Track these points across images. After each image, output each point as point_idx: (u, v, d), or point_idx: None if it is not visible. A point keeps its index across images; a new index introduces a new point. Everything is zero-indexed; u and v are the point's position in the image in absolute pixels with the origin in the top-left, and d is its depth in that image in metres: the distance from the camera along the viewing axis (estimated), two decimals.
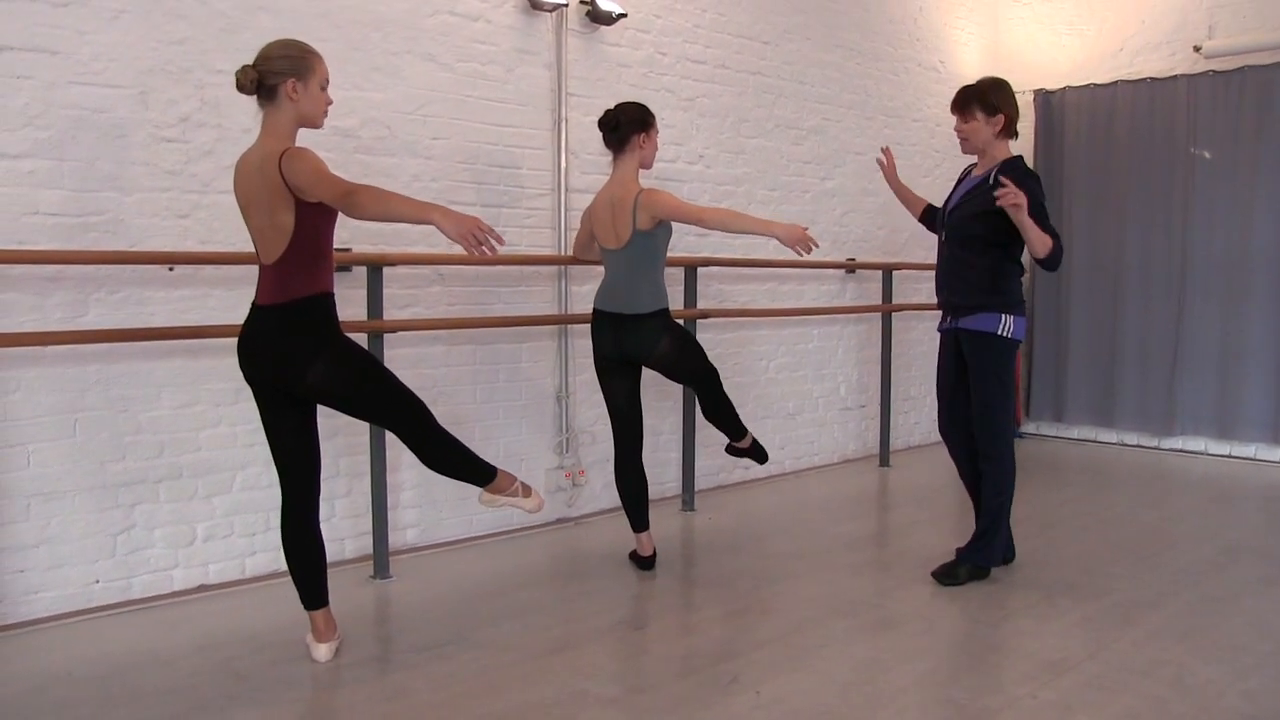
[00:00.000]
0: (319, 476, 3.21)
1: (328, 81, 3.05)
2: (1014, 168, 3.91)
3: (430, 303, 4.45)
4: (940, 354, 4.20)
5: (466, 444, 3.28)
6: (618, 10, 4.93)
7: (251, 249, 3.24)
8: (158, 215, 3.71)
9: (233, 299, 3.86)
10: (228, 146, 3.85)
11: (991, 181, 3.87)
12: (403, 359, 4.35)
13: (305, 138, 3.07)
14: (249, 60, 3.81)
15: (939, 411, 4.22)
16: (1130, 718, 2.85)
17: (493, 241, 2.76)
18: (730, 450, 4.38)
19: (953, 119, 4.07)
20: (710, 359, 4.18)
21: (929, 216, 4.43)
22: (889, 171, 4.54)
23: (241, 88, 2.93)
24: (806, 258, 5.95)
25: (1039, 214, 3.79)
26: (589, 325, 4.18)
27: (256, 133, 3.83)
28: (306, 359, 2.94)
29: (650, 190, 3.94)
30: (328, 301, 3.01)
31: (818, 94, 6.27)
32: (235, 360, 3.10)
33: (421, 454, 3.18)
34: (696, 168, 5.56)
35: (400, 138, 4.33)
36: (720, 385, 4.15)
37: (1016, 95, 4.08)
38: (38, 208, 3.46)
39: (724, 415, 4.19)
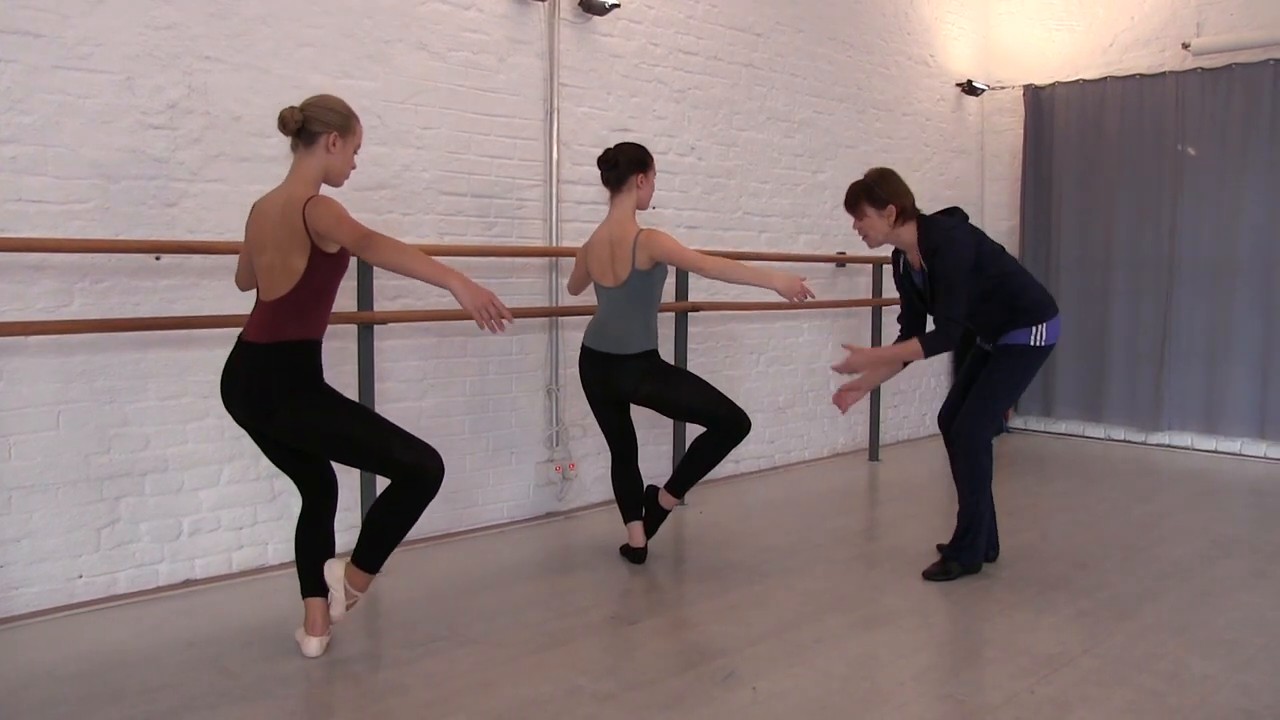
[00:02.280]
0: (333, 485, 3.24)
1: (359, 147, 3.11)
2: (932, 243, 3.84)
3: (420, 294, 4.39)
4: (973, 357, 4.19)
5: (448, 451, 3.20)
6: (610, 0, 4.88)
7: (238, 239, 3.21)
8: (144, 203, 3.64)
9: (221, 289, 3.79)
10: (216, 134, 3.79)
11: (929, 266, 3.87)
12: (393, 351, 4.31)
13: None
14: (239, 46, 3.80)
15: (946, 401, 4.22)
16: (1128, 712, 2.84)
17: (503, 319, 2.80)
18: (649, 492, 4.26)
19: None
20: (736, 403, 4.04)
21: (913, 321, 4.21)
22: (867, 379, 4.20)
23: (284, 125, 2.96)
24: (797, 251, 5.94)
25: (946, 289, 3.77)
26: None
27: (245, 119, 3.83)
28: (277, 402, 2.94)
29: (651, 231, 3.93)
30: (313, 348, 3.02)
31: (809, 87, 6.24)
32: (223, 351, 3.07)
33: (386, 492, 3.05)
34: (688, 160, 5.52)
35: (391, 127, 4.27)
36: (730, 441, 4.01)
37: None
38: (20, 194, 3.39)
39: (697, 465, 4.10)
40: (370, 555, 3.09)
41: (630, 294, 3.97)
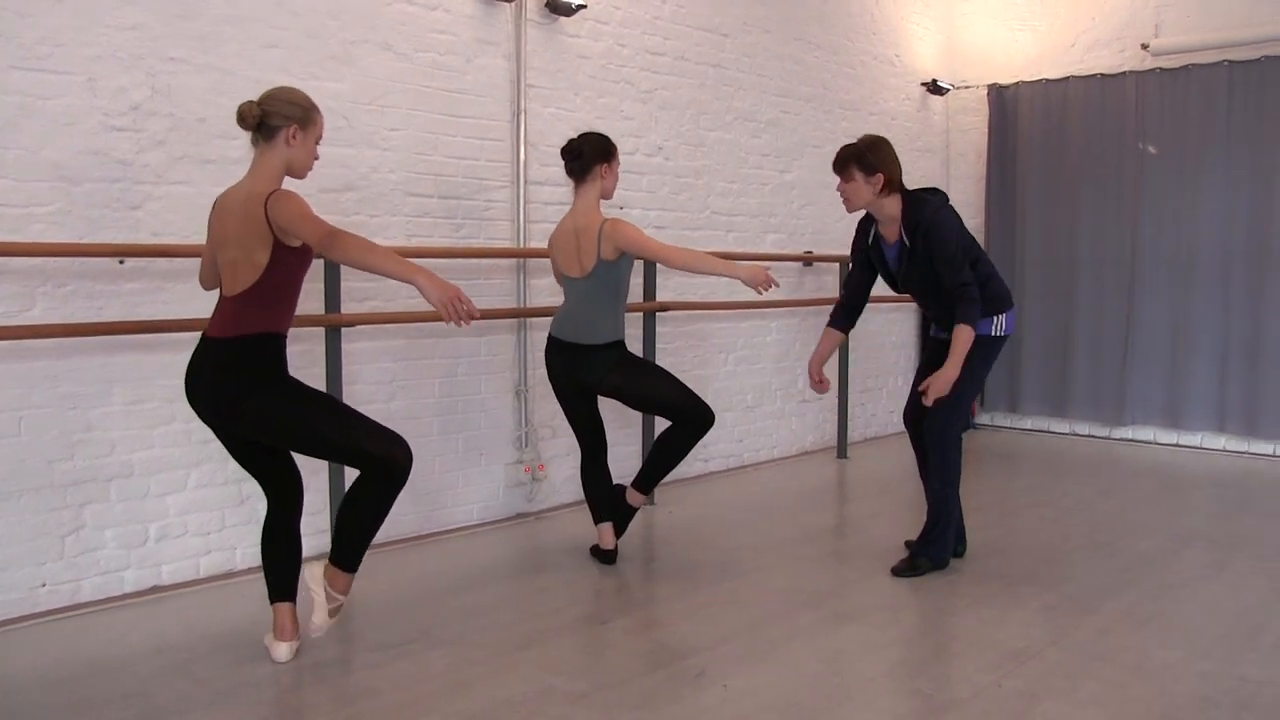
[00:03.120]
0: (299, 485, 3.21)
1: (321, 138, 3.09)
2: (918, 214, 3.88)
3: (389, 295, 4.38)
4: (929, 352, 4.22)
5: (417, 453, 3.18)
6: (577, 1, 4.88)
7: (204, 241, 3.19)
8: (108, 207, 3.61)
9: (186, 293, 3.76)
10: (180, 136, 3.76)
11: (910, 242, 3.89)
12: (361, 353, 4.29)
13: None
14: (204, 47, 3.77)
15: (910, 399, 4.25)
16: (1093, 703, 2.89)
17: (468, 314, 2.78)
18: (616, 491, 4.22)
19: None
20: (701, 397, 4.05)
21: (850, 318, 4.31)
22: (819, 375, 4.28)
23: (243, 120, 2.94)
24: (765, 250, 5.96)
25: (950, 262, 3.82)
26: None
27: (210, 121, 3.80)
28: (242, 395, 2.92)
29: (616, 220, 3.93)
30: (278, 342, 3.00)
31: (776, 86, 6.28)
32: (189, 355, 3.04)
33: (354, 488, 3.04)
34: (656, 160, 5.54)
35: (358, 129, 4.26)
36: (695, 434, 4.01)
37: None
38: None
39: (663, 460, 4.09)
40: (347, 553, 3.08)
41: (597, 284, 3.97)
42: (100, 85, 3.56)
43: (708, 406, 4.03)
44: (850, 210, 4.06)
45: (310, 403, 3.01)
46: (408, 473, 3.02)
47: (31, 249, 3.39)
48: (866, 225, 4.16)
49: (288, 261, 2.92)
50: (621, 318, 4.08)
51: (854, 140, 4.04)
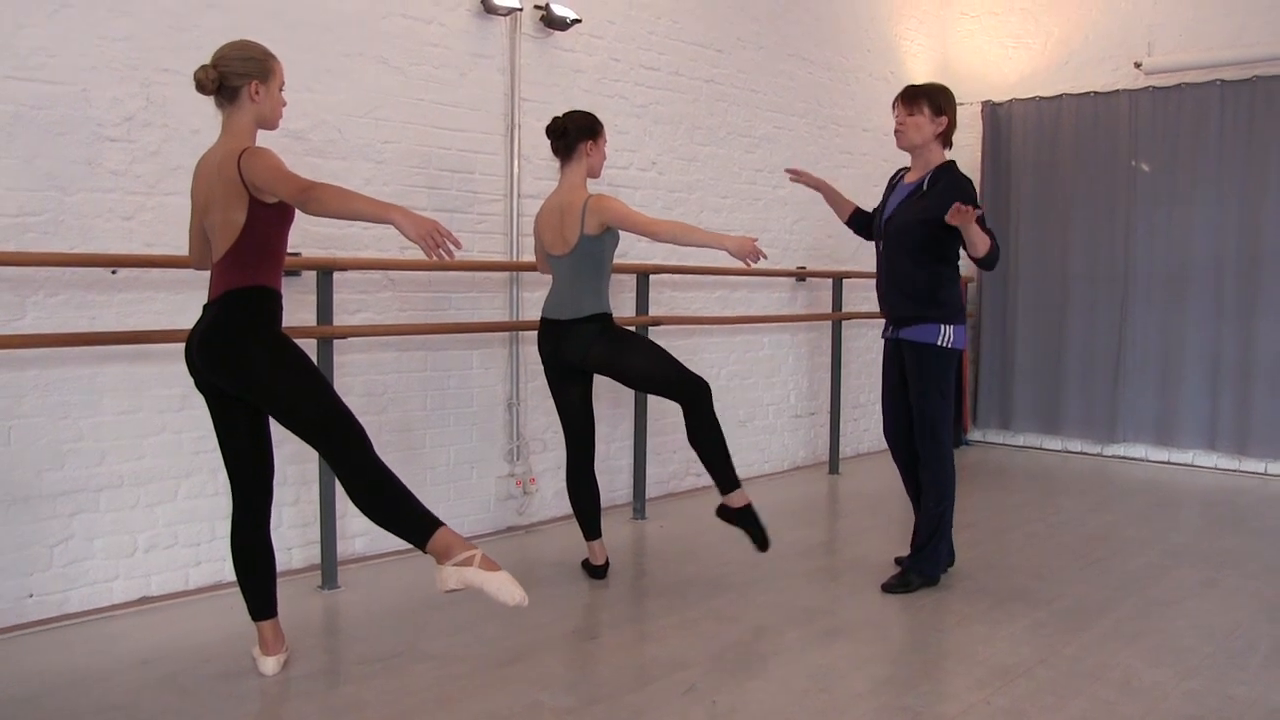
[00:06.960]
0: (271, 483, 3.15)
1: (284, 84, 3.07)
2: (948, 171, 3.97)
3: (381, 308, 4.39)
4: (884, 361, 4.24)
5: (408, 464, 3.05)
6: (572, 16, 4.91)
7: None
8: (100, 216, 3.61)
9: (179, 303, 3.76)
10: (174, 147, 3.76)
11: (926, 187, 3.93)
12: (353, 365, 4.29)
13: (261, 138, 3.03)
14: (198, 59, 3.75)
15: (885, 418, 4.26)
16: None
17: (450, 245, 2.74)
18: (721, 513, 4.04)
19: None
20: (694, 370, 3.98)
21: (857, 220, 4.48)
22: (807, 178, 4.53)
23: (202, 88, 2.93)
24: (757, 266, 5.98)
25: (978, 219, 3.85)
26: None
27: (204, 132, 3.80)
28: (230, 344, 2.86)
29: (601, 196, 3.91)
30: (266, 295, 2.95)
31: (770, 102, 6.30)
32: (180, 366, 3.04)
33: (351, 489, 2.91)
34: (649, 175, 5.55)
35: (351, 141, 4.26)
36: (701, 411, 3.90)
37: (964, 106, 4.14)
38: None
39: (713, 453, 3.94)
40: (411, 528, 2.92)
41: (580, 260, 3.93)
42: (94, 96, 3.57)
43: (698, 376, 3.94)
44: (902, 144, 4.05)
45: (305, 365, 2.92)
46: (362, 430, 2.92)
47: (24, 258, 3.39)
48: (895, 179, 4.24)
49: (266, 219, 2.88)
50: (605, 292, 4.01)
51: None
